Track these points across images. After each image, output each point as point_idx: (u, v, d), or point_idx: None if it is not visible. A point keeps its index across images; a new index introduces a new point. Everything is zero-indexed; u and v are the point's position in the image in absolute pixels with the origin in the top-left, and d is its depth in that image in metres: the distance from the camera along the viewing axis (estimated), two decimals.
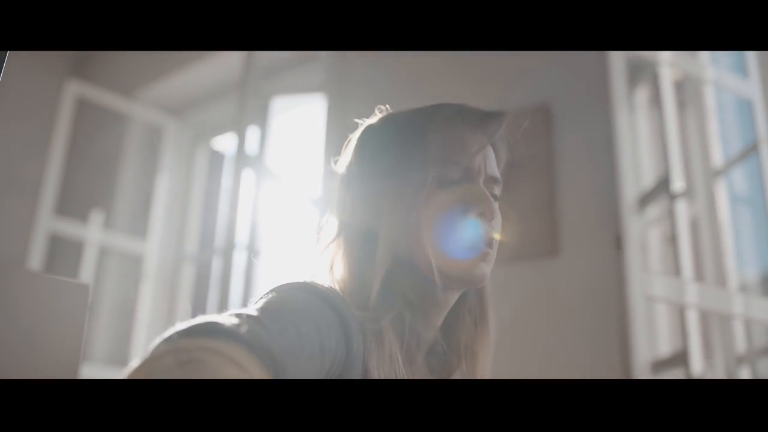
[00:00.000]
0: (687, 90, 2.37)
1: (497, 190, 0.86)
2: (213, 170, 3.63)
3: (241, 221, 2.76)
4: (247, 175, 2.59)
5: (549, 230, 2.06)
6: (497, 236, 0.84)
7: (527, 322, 2.04)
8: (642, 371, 1.63)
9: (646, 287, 1.67)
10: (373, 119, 0.90)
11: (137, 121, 3.44)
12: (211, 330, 0.56)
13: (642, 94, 2.38)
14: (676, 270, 1.81)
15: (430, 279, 0.80)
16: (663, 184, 1.91)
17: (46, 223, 3.11)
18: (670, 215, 1.88)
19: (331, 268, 0.83)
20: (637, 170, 2.20)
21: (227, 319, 0.60)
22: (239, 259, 2.76)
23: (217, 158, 3.75)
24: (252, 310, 0.65)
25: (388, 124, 0.88)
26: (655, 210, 2.20)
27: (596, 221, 1.99)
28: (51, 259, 3.21)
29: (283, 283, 0.74)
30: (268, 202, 2.76)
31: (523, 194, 2.13)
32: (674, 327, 2.12)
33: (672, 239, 1.88)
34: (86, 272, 3.08)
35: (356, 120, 0.92)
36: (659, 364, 1.83)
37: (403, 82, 2.49)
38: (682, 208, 1.88)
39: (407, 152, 0.83)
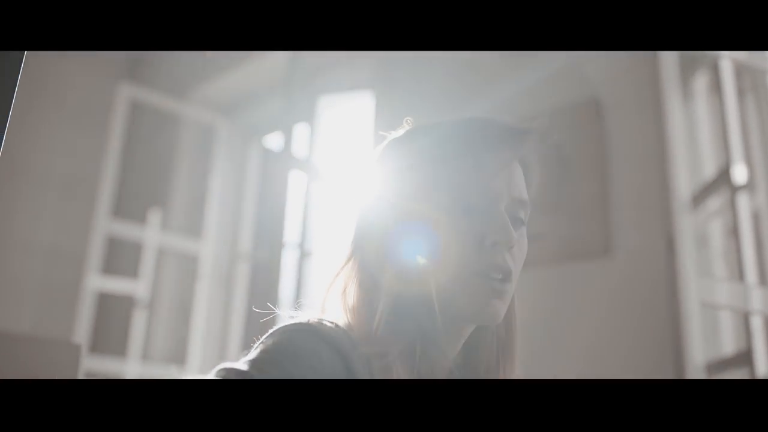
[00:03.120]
0: (746, 77, 2.25)
1: (523, 214, 0.79)
2: (266, 168, 3.66)
3: (291, 219, 2.77)
4: (295, 173, 2.59)
5: (602, 229, 1.99)
6: (517, 267, 0.76)
7: (579, 322, 1.98)
8: (695, 374, 1.55)
9: (701, 291, 1.59)
10: (398, 133, 0.84)
11: (190, 122, 3.48)
12: None
13: (701, 80, 2.27)
14: (739, 266, 1.72)
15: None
16: (724, 175, 1.82)
17: (105, 224, 3.18)
18: (732, 207, 1.79)
19: (344, 292, 0.78)
20: (696, 160, 2.11)
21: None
22: (291, 257, 2.78)
23: (269, 156, 3.77)
24: (243, 363, 0.63)
25: (411, 142, 0.81)
26: (716, 202, 2.10)
27: (651, 219, 1.91)
28: (110, 260, 3.28)
29: (284, 325, 0.70)
30: (317, 199, 2.76)
31: (574, 192, 2.06)
32: (729, 328, 2.02)
33: (733, 231, 1.79)
34: (145, 272, 3.15)
35: (382, 133, 0.86)
36: (716, 366, 1.74)
37: (450, 79, 2.44)
38: (744, 200, 1.79)
39: (424, 176, 0.77)
